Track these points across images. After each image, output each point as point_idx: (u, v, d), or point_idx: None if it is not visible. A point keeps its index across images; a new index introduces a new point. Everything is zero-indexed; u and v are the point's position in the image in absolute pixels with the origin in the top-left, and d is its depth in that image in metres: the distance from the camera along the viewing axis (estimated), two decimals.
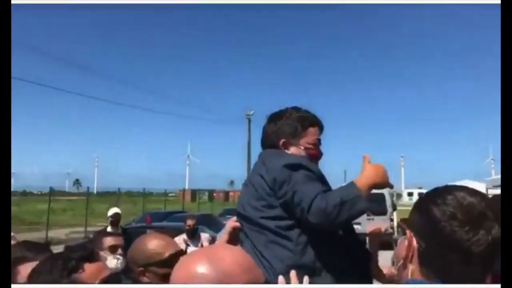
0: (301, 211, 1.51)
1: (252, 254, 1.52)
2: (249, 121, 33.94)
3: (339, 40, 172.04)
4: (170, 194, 55.44)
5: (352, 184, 1.52)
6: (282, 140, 1.81)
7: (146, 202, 33.23)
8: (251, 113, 34.22)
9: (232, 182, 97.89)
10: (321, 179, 1.68)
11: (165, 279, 1.70)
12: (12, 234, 1.64)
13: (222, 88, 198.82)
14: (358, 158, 1.66)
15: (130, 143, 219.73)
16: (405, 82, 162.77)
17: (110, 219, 6.62)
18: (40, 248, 1.64)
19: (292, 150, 1.81)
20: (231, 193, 70.04)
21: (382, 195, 12.87)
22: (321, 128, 1.89)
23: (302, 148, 1.80)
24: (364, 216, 3.65)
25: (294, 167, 1.60)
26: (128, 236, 4.93)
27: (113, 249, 2.51)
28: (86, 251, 1.24)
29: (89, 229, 18.89)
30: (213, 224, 11.36)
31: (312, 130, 1.83)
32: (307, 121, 1.83)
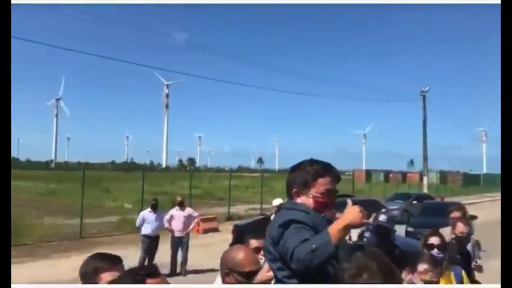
0: (289, 261, 1.76)
1: None
2: (424, 98, 31.72)
3: None
4: (347, 173, 55.58)
5: (325, 232, 1.71)
6: (294, 190, 2.06)
7: None
8: (426, 89, 31.91)
9: (411, 162, 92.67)
10: (314, 227, 1.84)
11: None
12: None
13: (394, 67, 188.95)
14: None
15: (305, 124, 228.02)
16: None
17: (276, 209, 6.95)
18: (114, 259, 2.12)
19: (302, 199, 2.02)
20: (409, 175, 66.02)
21: None
22: (334, 178, 2.05)
23: (311, 197, 2.00)
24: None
25: (286, 224, 1.85)
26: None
27: (257, 251, 2.73)
28: (150, 269, 1.64)
29: (264, 206, 20.66)
30: (376, 209, 10.86)
31: (321, 180, 2.01)
32: (317, 172, 2.01)
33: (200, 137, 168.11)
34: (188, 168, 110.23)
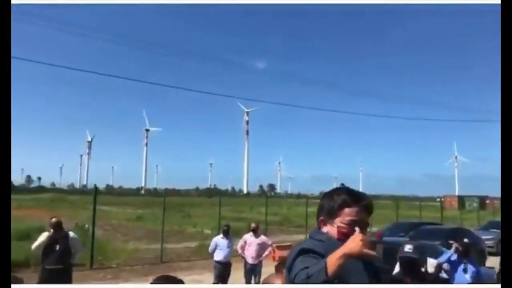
0: None
1: None
2: None
3: None
4: (437, 199, 52.09)
5: (323, 260, 1.69)
6: (321, 218, 2.05)
7: (405, 208, 32.36)
8: None
9: None
10: (327, 255, 1.77)
11: None
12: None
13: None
14: None
15: (391, 148, 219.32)
16: None
17: None
18: (175, 281, 2.25)
19: (327, 228, 2.01)
20: None
21: None
22: (363, 209, 1.97)
23: (335, 226, 1.97)
24: None
25: (297, 253, 1.88)
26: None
27: None
28: None
29: None
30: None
31: (348, 210, 1.96)
32: (345, 202, 1.97)
33: (279, 163, 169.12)
34: (268, 194, 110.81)
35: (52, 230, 6.95)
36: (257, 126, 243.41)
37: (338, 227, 1.96)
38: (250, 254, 9.15)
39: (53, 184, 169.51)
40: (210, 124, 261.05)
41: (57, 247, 6.88)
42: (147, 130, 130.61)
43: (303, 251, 1.88)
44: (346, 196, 1.99)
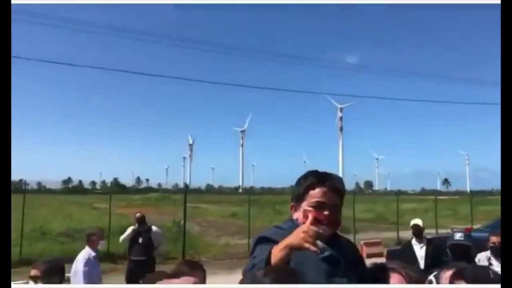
0: None
1: None
2: None
3: None
4: None
5: (268, 251, 1.63)
6: (291, 204, 1.96)
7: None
8: None
9: None
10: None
11: None
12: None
13: None
14: None
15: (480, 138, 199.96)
16: None
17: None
18: (196, 266, 2.36)
19: (297, 214, 1.90)
20: None
21: None
22: (329, 190, 1.84)
23: (302, 211, 1.86)
24: None
25: (256, 241, 1.84)
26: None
27: None
28: None
29: (440, 231, 18.72)
30: None
31: (312, 192, 1.85)
32: (310, 184, 1.86)
33: (377, 159, 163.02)
34: (365, 192, 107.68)
35: (136, 225, 7.66)
36: (351, 122, 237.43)
37: (304, 211, 1.84)
38: None
39: (159, 184, 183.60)
40: (304, 122, 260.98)
41: (140, 240, 7.52)
42: (243, 131, 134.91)
43: (260, 240, 1.82)
44: (311, 178, 1.88)
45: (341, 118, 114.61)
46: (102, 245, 5.60)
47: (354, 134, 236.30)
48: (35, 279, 2.89)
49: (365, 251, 14.77)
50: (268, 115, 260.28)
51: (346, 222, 21.41)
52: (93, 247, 5.36)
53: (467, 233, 9.30)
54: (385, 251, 15.05)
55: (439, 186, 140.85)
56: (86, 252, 5.30)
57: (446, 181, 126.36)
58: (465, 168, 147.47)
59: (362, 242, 15.91)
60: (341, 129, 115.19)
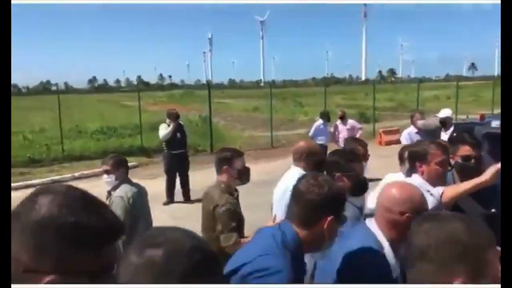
0: None
1: None
2: None
3: None
4: None
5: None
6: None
7: None
8: None
9: None
10: None
11: None
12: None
13: None
14: None
15: None
16: None
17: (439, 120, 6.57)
18: (237, 153, 3.13)
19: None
20: None
21: None
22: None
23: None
24: None
25: None
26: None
27: None
28: None
29: (459, 116, 18.90)
30: None
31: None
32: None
33: (402, 45, 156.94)
34: (388, 80, 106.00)
35: (168, 120, 8.21)
36: (375, 6, 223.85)
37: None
38: (342, 140, 9.71)
39: (182, 81, 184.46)
40: (324, 10, 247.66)
41: (178, 134, 8.18)
42: (262, 22, 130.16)
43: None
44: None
45: (365, 4, 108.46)
46: None
47: (378, 19, 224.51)
48: (108, 172, 3.44)
49: (383, 139, 15.38)
50: (288, 6, 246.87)
51: (366, 112, 21.93)
52: None
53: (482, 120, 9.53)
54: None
55: (464, 72, 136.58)
56: None
57: (472, 66, 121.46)
58: (495, 51, 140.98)
59: (381, 130, 16.43)
60: (365, 14, 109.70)
